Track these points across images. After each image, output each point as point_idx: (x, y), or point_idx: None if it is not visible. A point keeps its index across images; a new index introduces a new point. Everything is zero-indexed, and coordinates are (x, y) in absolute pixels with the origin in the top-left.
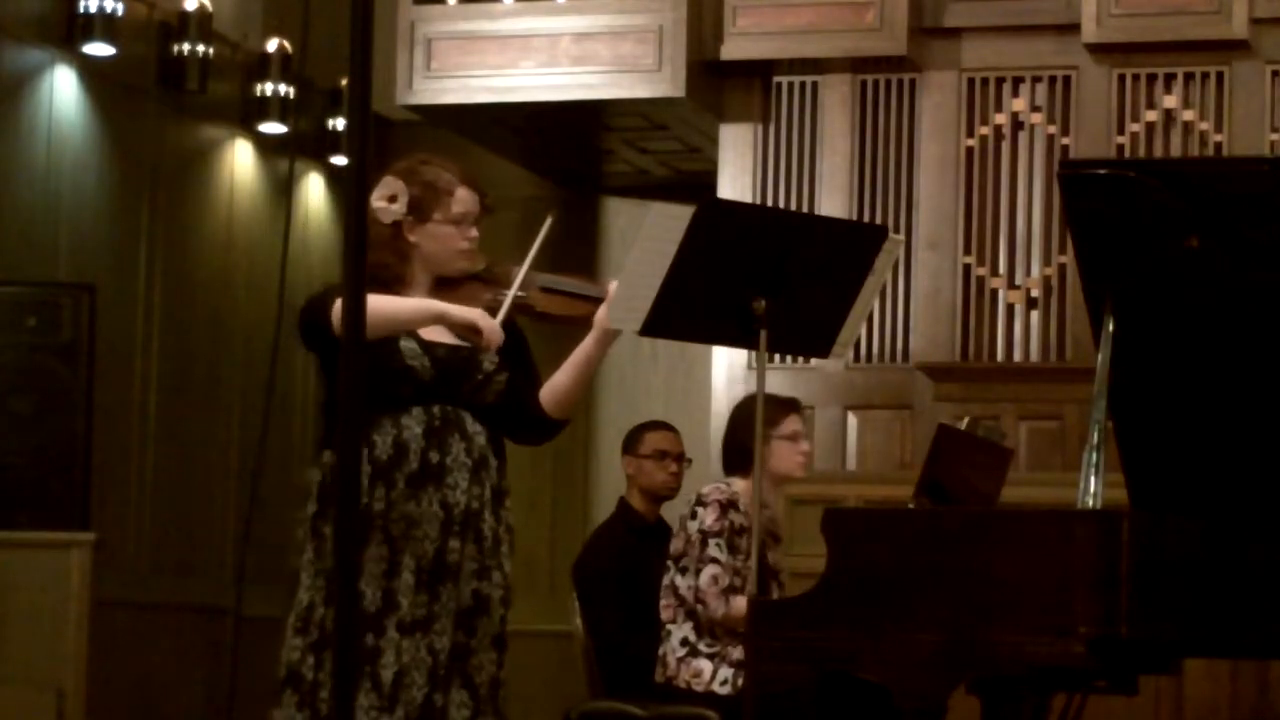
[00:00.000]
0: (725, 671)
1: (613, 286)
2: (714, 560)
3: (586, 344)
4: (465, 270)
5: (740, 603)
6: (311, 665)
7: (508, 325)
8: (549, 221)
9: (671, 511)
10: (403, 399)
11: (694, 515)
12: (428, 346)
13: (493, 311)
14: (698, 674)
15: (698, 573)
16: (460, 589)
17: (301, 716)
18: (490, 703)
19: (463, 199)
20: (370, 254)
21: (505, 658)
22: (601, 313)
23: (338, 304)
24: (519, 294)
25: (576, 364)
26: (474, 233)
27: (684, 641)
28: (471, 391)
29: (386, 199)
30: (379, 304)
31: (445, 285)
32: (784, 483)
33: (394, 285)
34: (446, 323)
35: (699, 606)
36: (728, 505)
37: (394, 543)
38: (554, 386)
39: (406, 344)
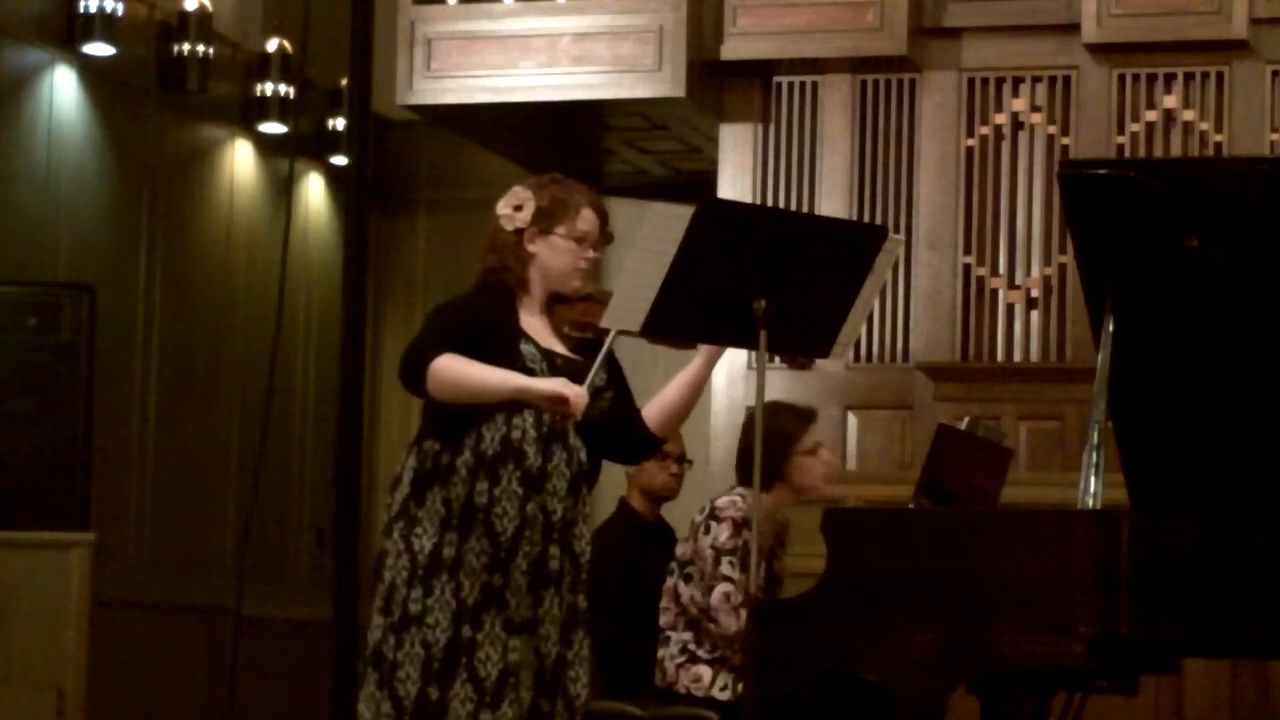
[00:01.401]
0: (725, 677)
1: None
2: (727, 578)
3: (695, 364)
4: (578, 290)
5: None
6: (393, 645)
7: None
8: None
9: (671, 512)
10: (518, 401)
11: (707, 529)
12: (547, 354)
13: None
14: (697, 679)
15: (709, 589)
16: (563, 598)
17: (382, 695)
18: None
19: (587, 218)
20: (493, 258)
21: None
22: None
23: (435, 365)
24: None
25: (685, 384)
26: (592, 254)
27: (683, 649)
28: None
29: (513, 207)
30: (469, 371)
31: (562, 302)
32: (805, 495)
33: (516, 289)
34: (529, 397)
35: (710, 625)
36: (742, 524)
37: (497, 538)
38: (662, 405)
39: (527, 348)
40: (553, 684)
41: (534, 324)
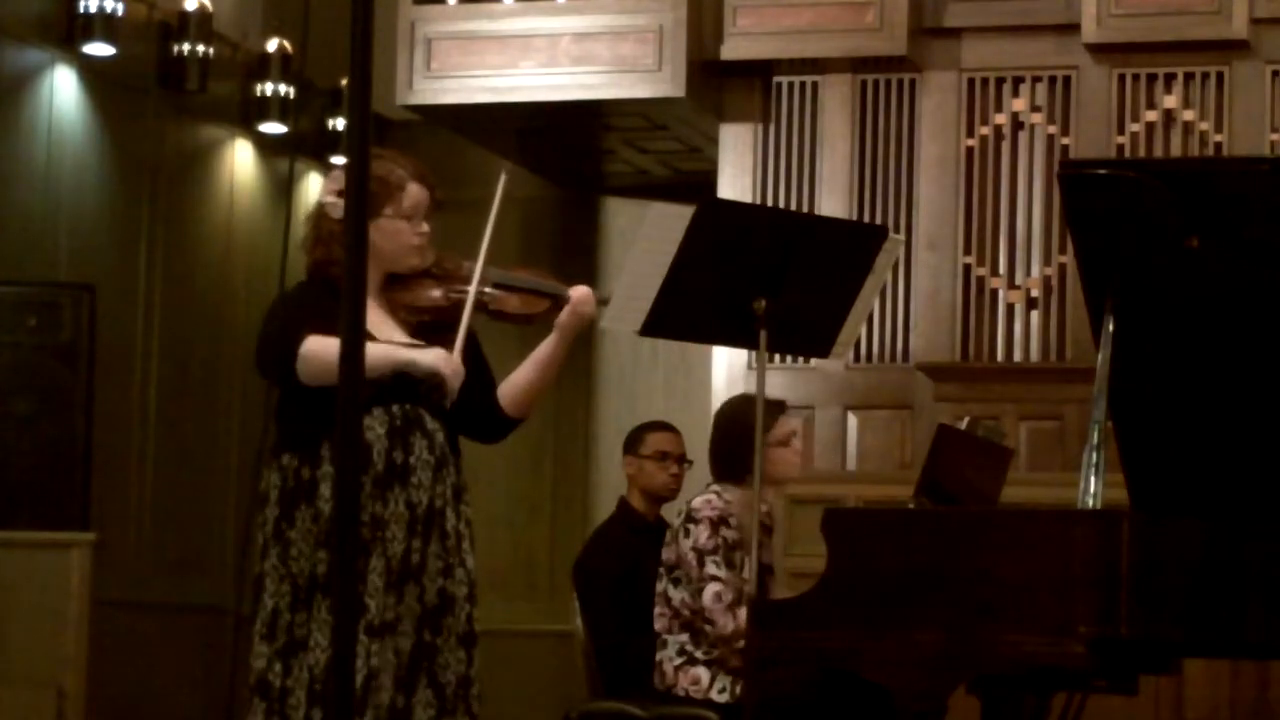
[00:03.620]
0: (723, 680)
1: (575, 290)
2: (714, 578)
3: (548, 344)
4: (415, 266)
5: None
6: (279, 672)
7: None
8: (502, 180)
9: (671, 512)
10: (363, 400)
11: (686, 532)
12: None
13: (448, 311)
14: (696, 681)
15: (699, 592)
16: (425, 588)
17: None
18: (460, 701)
19: (413, 194)
20: (321, 250)
21: (475, 655)
22: (565, 316)
23: (305, 348)
24: (476, 291)
25: (538, 363)
26: (425, 228)
27: (681, 650)
28: (429, 392)
29: (336, 194)
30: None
31: (397, 282)
32: (781, 485)
33: None
34: (413, 372)
35: (707, 626)
36: (719, 522)
37: (363, 546)
38: (514, 385)
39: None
40: (409, 677)
41: (369, 314)
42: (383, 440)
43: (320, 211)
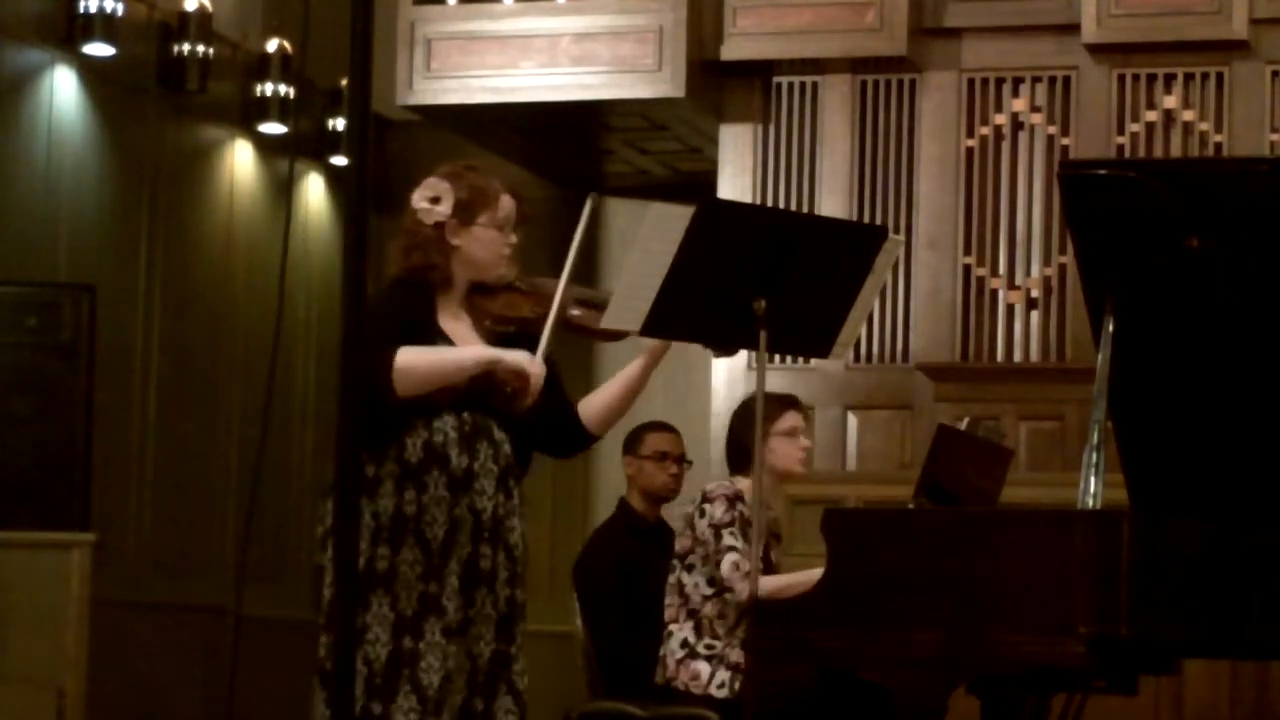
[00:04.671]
0: (723, 674)
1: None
2: (732, 548)
3: (636, 365)
4: (503, 277)
5: (767, 582)
6: None
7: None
8: (588, 207)
9: (671, 513)
10: (436, 404)
11: (702, 513)
12: None
13: (533, 324)
14: (696, 676)
15: (717, 565)
16: (498, 595)
17: (330, 714)
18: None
19: (506, 205)
20: (418, 255)
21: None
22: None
23: (399, 362)
24: (560, 305)
25: (625, 385)
26: (513, 239)
27: (683, 643)
28: (503, 402)
29: (430, 200)
30: (434, 358)
31: (482, 293)
32: (785, 480)
33: (438, 286)
34: (499, 368)
35: (726, 594)
36: (734, 498)
37: (428, 545)
38: (599, 404)
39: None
40: (489, 683)
41: (453, 321)
42: (457, 444)
43: (413, 217)
